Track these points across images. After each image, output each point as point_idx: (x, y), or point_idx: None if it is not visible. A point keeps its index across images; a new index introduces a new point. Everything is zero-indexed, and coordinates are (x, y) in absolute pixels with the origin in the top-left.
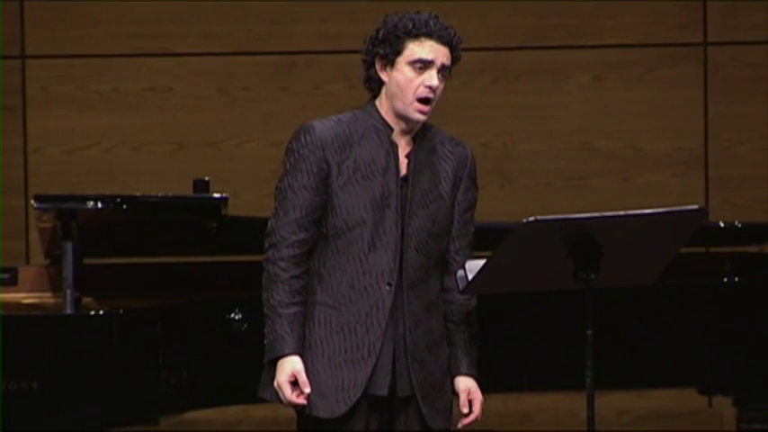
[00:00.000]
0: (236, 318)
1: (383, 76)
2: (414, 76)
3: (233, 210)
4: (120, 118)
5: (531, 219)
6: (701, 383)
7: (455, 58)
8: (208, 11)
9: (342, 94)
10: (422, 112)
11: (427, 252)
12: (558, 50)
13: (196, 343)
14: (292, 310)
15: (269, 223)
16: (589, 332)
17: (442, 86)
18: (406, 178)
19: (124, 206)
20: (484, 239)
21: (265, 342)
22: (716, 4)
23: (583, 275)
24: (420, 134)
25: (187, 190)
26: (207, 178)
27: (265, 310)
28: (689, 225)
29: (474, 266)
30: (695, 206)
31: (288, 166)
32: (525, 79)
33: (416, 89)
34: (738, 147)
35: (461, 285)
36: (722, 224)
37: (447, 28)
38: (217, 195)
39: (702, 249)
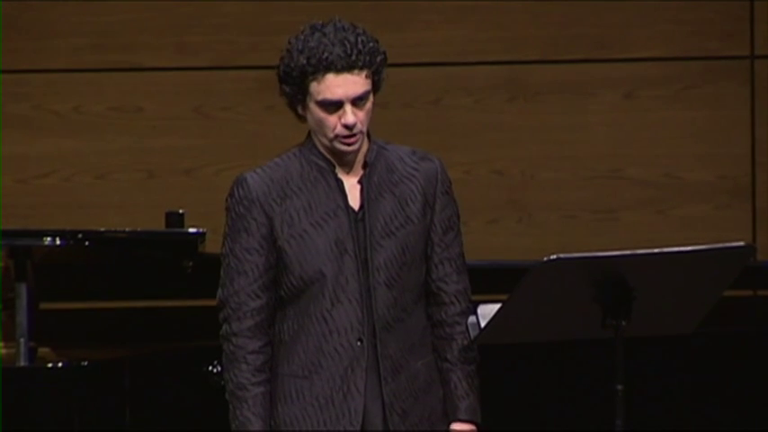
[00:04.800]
0: (215, 371)
1: (300, 112)
2: (326, 115)
3: (211, 247)
4: (82, 142)
5: (553, 257)
6: None
7: (375, 71)
8: (182, 20)
9: None
10: (348, 144)
11: (401, 286)
12: (584, 64)
13: (169, 399)
14: (254, 391)
15: (217, 295)
16: (619, 387)
17: (366, 109)
18: (363, 210)
19: (86, 243)
20: (499, 281)
21: (232, 428)
22: (764, 12)
23: (612, 322)
24: (371, 155)
25: (159, 224)
26: (181, 210)
27: (226, 393)
28: (734, 264)
29: (487, 312)
30: (741, 243)
31: (227, 228)
32: (546, 97)
33: (334, 128)
34: None
35: (473, 333)
36: None
37: (349, 49)
38: (193, 230)
39: (750, 292)
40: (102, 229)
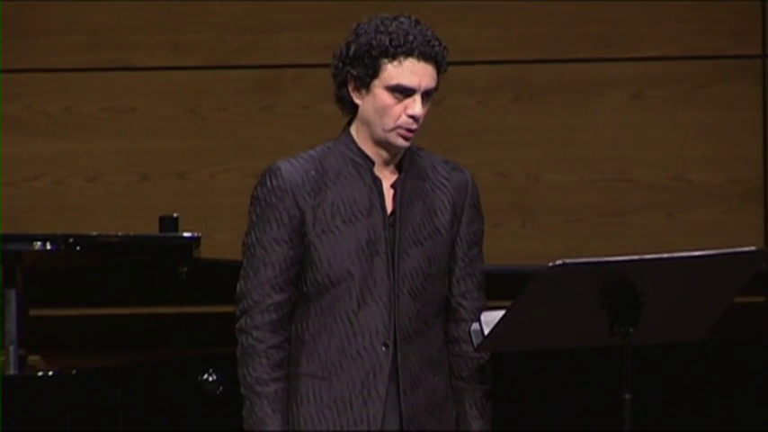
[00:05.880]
0: (211, 379)
1: (356, 99)
2: (393, 102)
3: (206, 252)
4: (74, 143)
5: (559, 262)
6: None
7: (443, 71)
8: (177, 18)
9: (334, 114)
10: (405, 138)
11: (425, 298)
12: (590, 64)
13: (163, 409)
14: (273, 387)
15: (238, 286)
16: (627, 396)
17: (426, 108)
18: (394, 215)
19: (78, 247)
20: (502, 286)
21: (244, 427)
22: None
23: (620, 329)
24: (407, 159)
25: (153, 228)
26: (175, 214)
27: (242, 389)
28: (745, 270)
29: (491, 319)
30: (752, 247)
31: (254, 218)
32: (551, 98)
33: (397, 117)
34: None
35: (476, 341)
36: None
37: (431, 40)
38: (187, 234)
39: (761, 298)
40: (94, 234)
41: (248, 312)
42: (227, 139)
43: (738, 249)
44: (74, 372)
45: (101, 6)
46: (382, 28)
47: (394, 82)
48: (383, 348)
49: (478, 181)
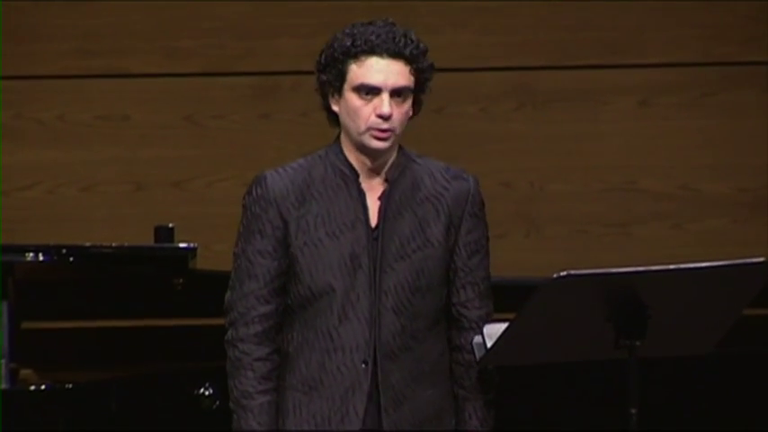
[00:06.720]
0: (207, 393)
1: (333, 106)
2: (362, 103)
3: (202, 263)
4: (67, 152)
5: (563, 273)
6: None
7: (420, 71)
8: (172, 24)
9: None
10: (379, 139)
11: (411, 313)
12: (595, 71)
13: (158, 424)
14: (260, 400)
15: (226, 297)
16: (633, 410)
17: (404, 109)
18: (378, 228)
19: (71, 258)
20: (506, 298)
21: None
22: None
23: (626, 342)
24: (395, 169)
25: (148, 239)
26: (171, 224)
27: (230, 402)
28: (753, 281)
29: (493, 332)
30: (761, 258)
31: (242, 228)
32: (555, 105)
33: (367, 118)
34: None
35: (478, 354)
36: None
37: (397, 37)
38: (183, 245)
39: None
40: (88, 244)
41: (234, 324)
42: (223, 148)
43: (747, 260)
44: (67, 386)
45: (94, 12)
46: (348, 31)
47: (358, 82)
48: (363, 365)
49: (481, 191)
